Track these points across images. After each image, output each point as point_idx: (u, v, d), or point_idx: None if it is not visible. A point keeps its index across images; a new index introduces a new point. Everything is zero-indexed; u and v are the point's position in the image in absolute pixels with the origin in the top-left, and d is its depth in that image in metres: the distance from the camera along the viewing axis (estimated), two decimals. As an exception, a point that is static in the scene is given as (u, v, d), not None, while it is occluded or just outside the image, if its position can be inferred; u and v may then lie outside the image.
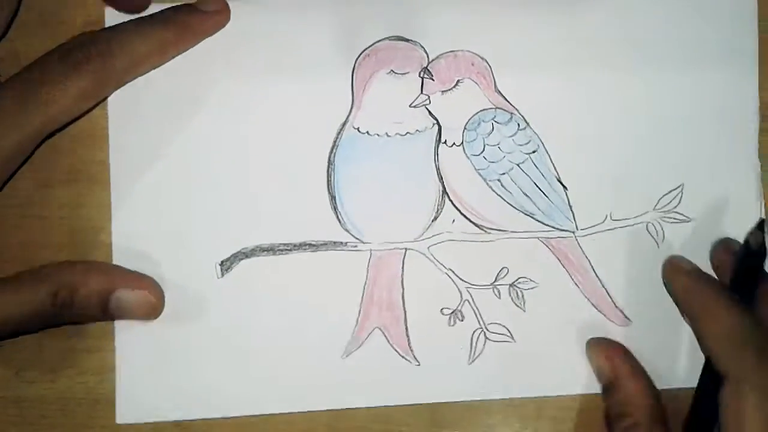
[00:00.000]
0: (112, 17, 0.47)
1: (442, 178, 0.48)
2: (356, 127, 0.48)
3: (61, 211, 0.48)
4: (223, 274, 0.47)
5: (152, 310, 0.46)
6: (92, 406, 0.48)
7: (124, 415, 0.47)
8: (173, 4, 0.46)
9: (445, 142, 0.48)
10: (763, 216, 0.48)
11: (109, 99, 0.47)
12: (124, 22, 0.46)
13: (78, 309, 0.44)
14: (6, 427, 0.47)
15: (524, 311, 0.48)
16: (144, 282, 0.46)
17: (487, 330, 0.48)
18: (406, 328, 0.48)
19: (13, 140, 0.43)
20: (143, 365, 0.47)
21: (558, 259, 0.48)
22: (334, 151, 0.48)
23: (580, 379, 0.48)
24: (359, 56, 0.48)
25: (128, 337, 0.47)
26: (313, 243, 0.48)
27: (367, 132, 0.48)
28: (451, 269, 0.48)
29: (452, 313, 0.48)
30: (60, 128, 0.45)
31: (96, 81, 0.44)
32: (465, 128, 0.48)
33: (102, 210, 0.48)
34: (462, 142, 0.48)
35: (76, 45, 0.44)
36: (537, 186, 0.48)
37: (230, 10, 0.47)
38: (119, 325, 0.47)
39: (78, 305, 0.44)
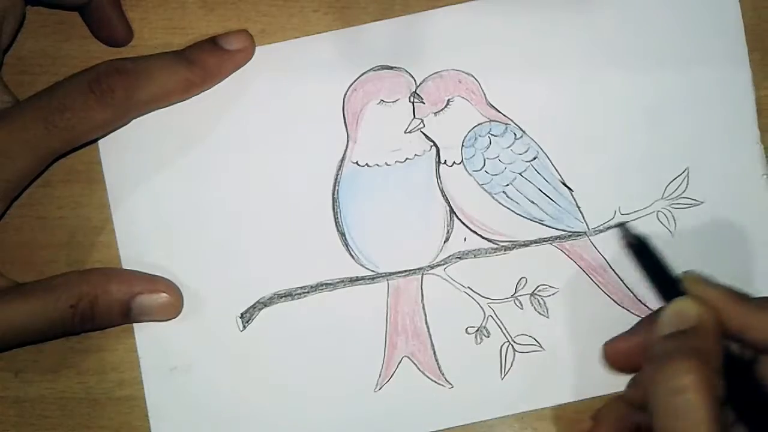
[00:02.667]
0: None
1: (447, 198, 0.48)
2: (355, 161, 0.48)
3: (61, 211, 0.48)
4: (244, 327, 0.48)
5: (173, 310, 0.47)
6: (92, 406, 0.48)
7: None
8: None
9: (445, 163, 0.48)
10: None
11: (103, 154, 0.48)
12: (151, 56, 0.46)
13: (99, 318, 0.45)
14: (6, 427, 0.48)
15: (548, 318, 0.48)
16: (161, 284, 0.47)
17: (515, 342, 0.48)
18: (434, 353, 0.48)
19: (29, 160, 0.43)
20: (176, 421, 0.48)
21: (574, 261, 0.48)
22: (336, 188, 0.48)
23: (612, 378, 0.47)
24: (347, 91, 0.48)
25: (159, 400, 0.48)
26: (330, 282, 0.48)
27: (367, 164, 0.48)
28: (470, 287, 0.48)
29: (477, 330, 0.48)
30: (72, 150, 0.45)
31: (117, 112, 0.44)
32: (462, 146, 0.48)
33: (102, 210, 0.48)
34: (462, 160, 0.48)
35: (102, 74, 0.44)
36: (542, 192, 0.48)
37: (254, 44, 0.47)
38: (147, 378, 0.48)
39: (99, 314, 0.45)
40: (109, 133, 0.47)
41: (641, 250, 0.42)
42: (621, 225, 0.44)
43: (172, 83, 0.45)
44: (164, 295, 0.46)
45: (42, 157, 0.44)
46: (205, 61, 0.46)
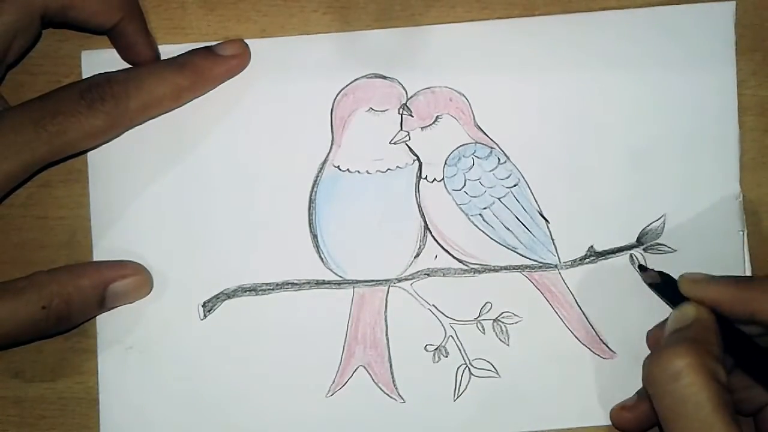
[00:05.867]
0: (88, 57, 0.48)
1: (423, 214, 0.48)
2: (336, 165, 0.48)
3: (61, 211, 0.48)
4: (205, 316, 0.48)
5: (145, 290, 0.47)
6: (92, 406, 0.48)
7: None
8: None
9: (425, 178, 0.48)
10: (746, 241, 0.48)
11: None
12: (143, 66, 0.46)
13: (76, 314, 0.45)
14: (6, 427, 0.48)
15: (508, 346, 0.48)
16: (130, 268, 0.47)
17: (472, 366, 0.48)
18: (390, 366, 0.48)
19: (15, 163, 0.43)
20: (126, 404, 0.48)
21: (541, 292, 0.48)
22: (314, 189, 0.48)
23: (565, 413, 0.47)
24: (337, 95, 0.48)
25: (112, 377, 0.48)
26: (296, 282, 0.48)
27: (348, 170, 0.48)
28: (434, 305, 0.48)
29: (436, 349, 0.48)
30: (60, 160, 0.45)
31: (108, 121, 0.44)
32: (445, 163, 0.48)
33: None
34: (443, 178, 0.48)
35: (93, 84, 0.44)
36: (519, 220, 0.48)
37: (250, 53, 0.48)
38: (103, 366, 0.48)
39: (75, 311, 0.45)
40: (99, 145, 0.47)
41: (662, 284, 0.46)
42: (641, 267, 0.47)
43: (163, 89, 0.45)
44: (135, 277, 0.47)
45: (28, 163, 0.43)
46: (196, 64, 0.46)
